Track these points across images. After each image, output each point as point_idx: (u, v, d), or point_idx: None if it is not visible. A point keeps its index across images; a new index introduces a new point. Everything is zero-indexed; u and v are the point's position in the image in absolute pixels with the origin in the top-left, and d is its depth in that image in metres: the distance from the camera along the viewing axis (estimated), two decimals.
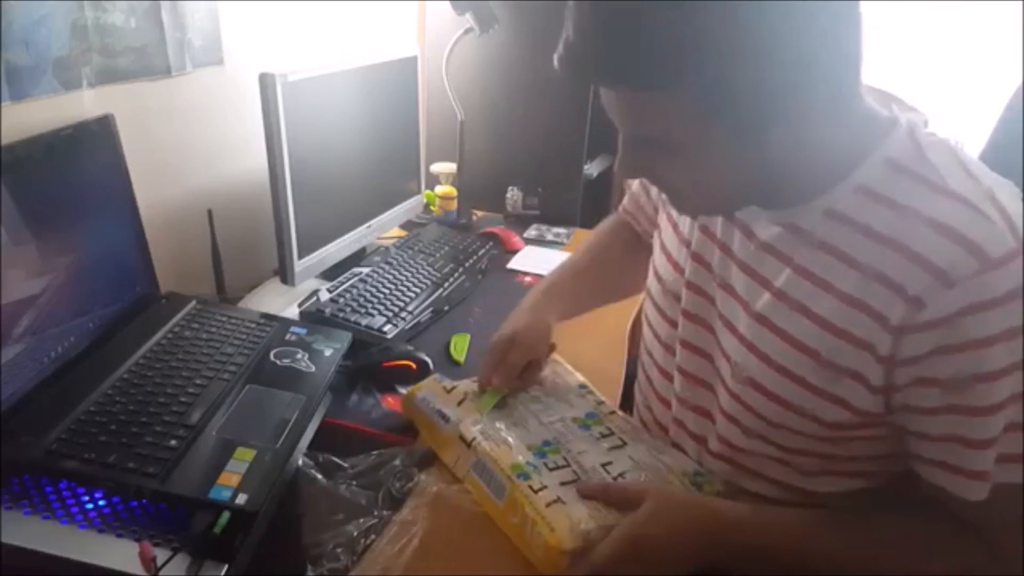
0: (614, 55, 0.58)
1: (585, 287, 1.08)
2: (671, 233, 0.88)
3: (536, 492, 0.76)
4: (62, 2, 0.94)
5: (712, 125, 0.60)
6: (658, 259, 0.91)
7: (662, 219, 0.92)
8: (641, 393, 0.98)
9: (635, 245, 1.08)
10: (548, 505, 0.75)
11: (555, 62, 0.62)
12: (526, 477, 0.78)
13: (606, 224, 1.15)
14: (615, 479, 0.80)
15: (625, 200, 1.09)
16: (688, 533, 0.72)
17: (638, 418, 0.98)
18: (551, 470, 0.80)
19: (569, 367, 1.02)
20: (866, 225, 0.65)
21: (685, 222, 0.85)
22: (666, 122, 0.61)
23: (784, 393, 0.71)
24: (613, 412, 0.93)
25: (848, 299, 0.66)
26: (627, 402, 1.08)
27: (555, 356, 1.03)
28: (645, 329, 0.94)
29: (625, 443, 0.86)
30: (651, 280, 0.92)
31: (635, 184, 1.06)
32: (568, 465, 0.82)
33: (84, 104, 1.01)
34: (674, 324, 0.85)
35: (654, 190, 1.00)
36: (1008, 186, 0.65)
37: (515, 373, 0.93)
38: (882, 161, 0.65)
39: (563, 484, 0.78)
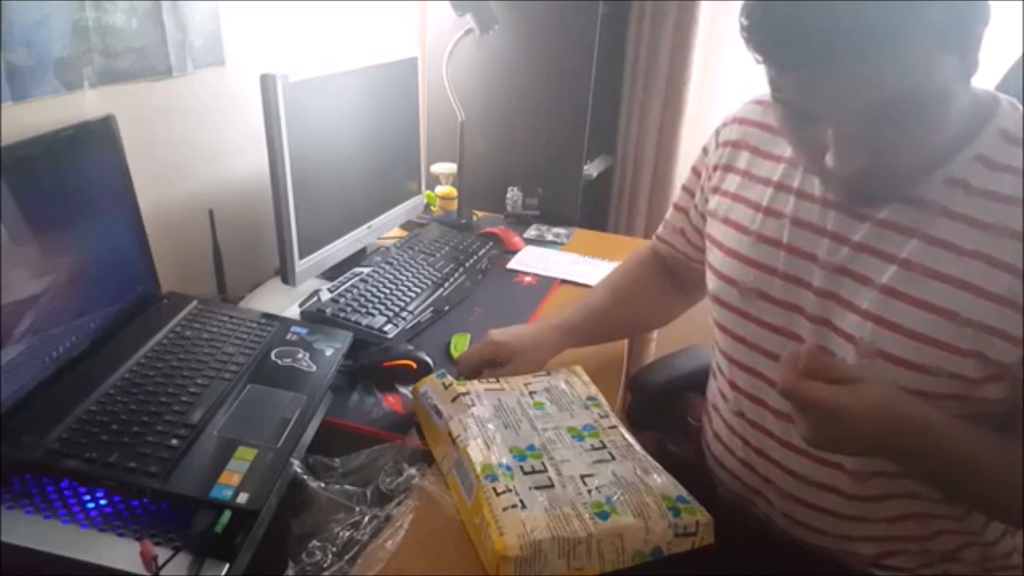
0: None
1: (601, 329, 1.11)
2: (736, 236, 0.88)
3: (498, 495, 0.76)
4: (63, 3, 0.95)
5: (945, 55, 0.62)
6: (723, 264, 0.90)
7: (716, 229, 0.93)
8: (725, 401, 0.94)
9: (661, 280, 1.10)
10: (505, 509, 0.74)
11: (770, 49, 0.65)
12: (493, 479, 0.78)
13: (634, 258, 1.16)
14: (590, 492, 0.79)
15: (660, 228, 1.11)
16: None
17: (714, 428, 0.96)
18: (526, 474, 0.80)
19: (586, 379, 1.01)
20: (990, 190, 0.70)
21: (767, 222, 0.85)
22: (915, 63, 0.62)
23: (920, 358, 0.72)
24: (614, 427, 0.91)
25: (982, 257, 0.69)
26: (628, 402, 1.08)
27: (575, 367, 1.03)
28: (720, 337, 0.92)
29: (613, 458, 0.85)
30: (719, 286, 0.90)
31: (669, 211, 1.08)
32: (545, 471, 0.81)
33: (85, 104, 1.01)
34: (761, 322, 0.85)
35: (694, 213, 1.02)
36: None
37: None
38: (997, 132, 0.71)
39: (533, 489, 0.78)
